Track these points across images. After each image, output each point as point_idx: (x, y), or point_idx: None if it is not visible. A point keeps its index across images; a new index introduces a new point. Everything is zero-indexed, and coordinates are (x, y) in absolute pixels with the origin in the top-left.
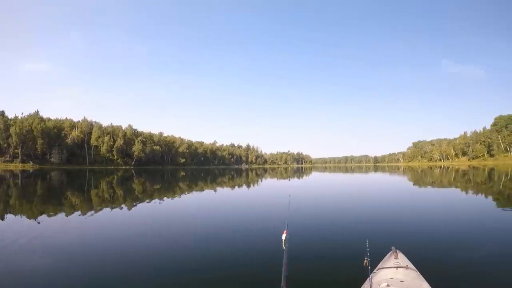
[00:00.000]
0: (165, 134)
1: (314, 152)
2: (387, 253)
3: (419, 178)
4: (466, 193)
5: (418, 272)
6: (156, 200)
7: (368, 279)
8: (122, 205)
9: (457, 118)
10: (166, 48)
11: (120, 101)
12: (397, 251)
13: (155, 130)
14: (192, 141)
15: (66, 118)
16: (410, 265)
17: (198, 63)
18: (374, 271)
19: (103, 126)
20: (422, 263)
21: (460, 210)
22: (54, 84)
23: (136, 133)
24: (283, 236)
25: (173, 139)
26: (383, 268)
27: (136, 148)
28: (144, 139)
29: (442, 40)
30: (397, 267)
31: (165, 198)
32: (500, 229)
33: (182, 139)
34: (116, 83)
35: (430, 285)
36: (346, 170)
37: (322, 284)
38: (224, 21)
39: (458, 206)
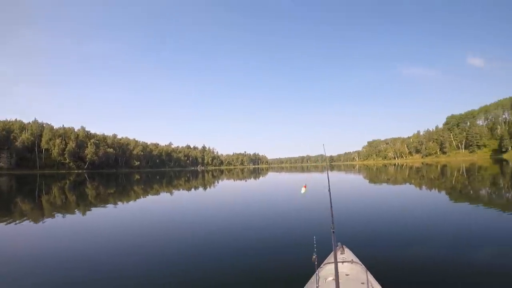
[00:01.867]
0: (119, 136)
1: (271, 153)
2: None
3: (374, 176)
4: (418, 189)
5: (363, 266)
6: (111, 206)
7: (315, 274)
8: (75, 212)
9: (410, 118)
10: (119, 48)
11: (73, 102)
12: (343, 246)
13: (109, 132)
14: (147, 143)
15: (16, 119)
16: (356, 259)
17: (152, 63)
18: (321, 266)
19: (54, 128)
20: (367, 257)
21: (410, 206)
22: (2, 83)
23: (89, 135)
24: (303, 190)
25: (127, 141)
26: (329, 263)
27: (89, 151)
28: (97, 142)
29: (396, 42)
30: (343, 262)
31: (119, 203)
32: (448, 224)
33: (136, 141)
34: (69, 83)
35: (374, 277)
36: (303, 169)
37: (270, 281)
38: (177, 21)
39: (408, 202)
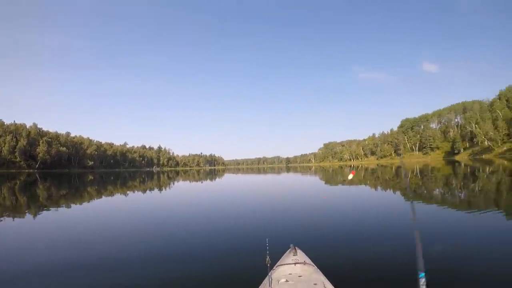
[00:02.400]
0: (72, 135)
1: (227, 154)
2: (287, 250)
3: (330, 177)
4: (373, 189)
5: (316, 267)
6: (63, 208)
7: (268, 276)
8: (25, 214)
9: (366, 120)
10: (78, 42)
11: (27, 97)
12: (296, 248)
13: (62, 130)
14: (101, 142)
15: None
16: (308, 260)
17: (110, 58)
18: (274, 267)
19: (5, 124)
20: (320, 258)
21: (365, 207)
22: None
23: (41, 133)
24: (350, 176)
25: (81, 139)
26: (282, 264)
27: (41, 149)
28: (49, 140)
29: (353, 46)
30: (295, 263)
31: (72, 205)
32: (402, 223)
33: (90, 140)
34: (22, 76)
35: (326, 278)
36: (259, 171)
37: (222, 285)
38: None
39: (363, 203)
